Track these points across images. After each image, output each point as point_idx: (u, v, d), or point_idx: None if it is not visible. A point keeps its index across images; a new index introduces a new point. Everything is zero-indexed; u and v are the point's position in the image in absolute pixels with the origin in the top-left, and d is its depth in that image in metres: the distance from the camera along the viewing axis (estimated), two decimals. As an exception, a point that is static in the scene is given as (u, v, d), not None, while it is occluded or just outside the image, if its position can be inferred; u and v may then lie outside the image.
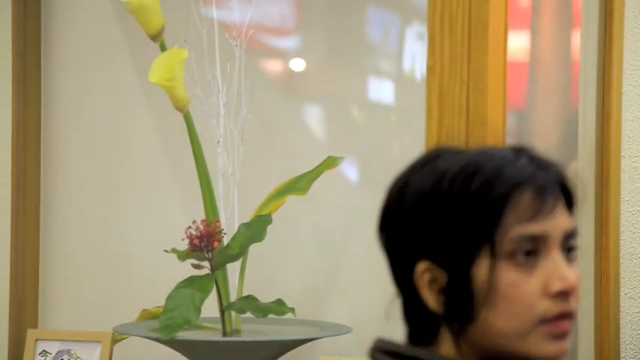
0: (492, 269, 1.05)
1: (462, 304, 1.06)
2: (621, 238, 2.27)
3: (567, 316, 1.07)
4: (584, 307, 2.18)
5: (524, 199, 1.05)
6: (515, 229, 1.05)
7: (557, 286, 1.06)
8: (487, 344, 1.07)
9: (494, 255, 1.05)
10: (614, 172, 2.27)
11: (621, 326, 2.23)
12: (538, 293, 1.06)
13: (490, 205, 1.05)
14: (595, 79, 2.32)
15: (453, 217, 1.05)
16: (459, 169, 1.06)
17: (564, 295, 1.06)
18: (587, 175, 2.30)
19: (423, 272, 1.07)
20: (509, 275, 1.05)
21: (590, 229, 2.27)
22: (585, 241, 2.27)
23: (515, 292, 1.05)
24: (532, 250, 1.06)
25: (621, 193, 2.28)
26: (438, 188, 1.06)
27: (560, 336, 1.06)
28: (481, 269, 1.05)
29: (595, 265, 2.24)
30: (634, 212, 2.30)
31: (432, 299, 1.07)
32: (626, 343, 2.25)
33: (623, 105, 2.28)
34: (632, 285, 2.27)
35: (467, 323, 1.07)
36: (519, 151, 1.10)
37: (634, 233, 2.29)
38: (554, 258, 1.06)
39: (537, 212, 1.06)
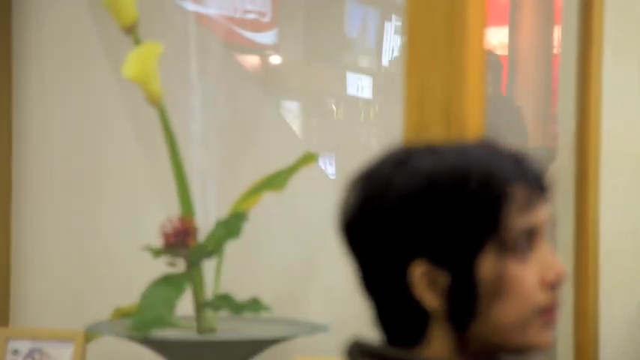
0: (499, 264, 1.05)
1: (468, 302, 1.06)
2: (601, 236, 2.26)
3: (557, 305, 1.08)
4: (564, 305, 2.17)
5: (519, 191, 1.06)
6: (516, 222, 1.06)
7: (551, 276, 1.07)
8: (488, 339, 1.07)
9: (500, 249, 1.05)
10: (593, 169, 2.26)
11: (600, 324, 2.23)
12: (535, 284, 1.07)
13: (491, 201, 1.05)
14: (575, 75, 2.31)
15: (454, 216, 1.05)
16: (450, 169, 1.06)
17: (556, 284, 1.07)
18: (567, 171, 2.29)
19: (421, 273, 1.06)
20: (513, 268, 1.06)
21: (569, 226, 2.27)
22: (565, 239, 2.26)
23: (519, 285, 1.06)
24: (528, 241, 1.06)
25: (601, 190, 2.27)
26: (432, 189, 1.06)
27: (552, 325, 1.08)
28: (486, 265, 1.05)
29: (574, 262, 2.23)
30: (613, 210, 2.29)
31: (431, 299, 1.06)
32: (605, 341, 2.25)
33: (602, 101, 2.28)
34: (611, 283, 2.27)
35: (470, 320, 1.07)
36: (490, 145, 1.10)
37: (613, 231, 2.29)
38: (545, 248, 1.08)
39: (531, 203, 1.07)
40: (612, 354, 2.25)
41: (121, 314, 2.69)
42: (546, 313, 1.08)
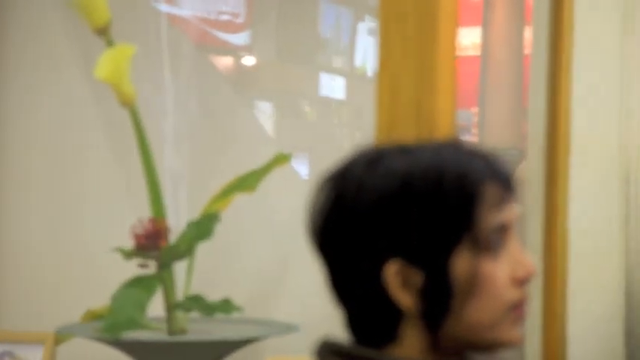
0: (472, 262, 1.06)
1: (441, 300, 1.07)
2: (569, 233, 2.27)
3: (526, 301, 1.09)
4: (532, 304, 2.18)
5: (491, 191, 1.07)
6: (488, 220, 1.07)
7: (522, 273, 1.08)
8: (460, 337, 1.08)
9: (474, 248, 1.06)
10: (562, 168, 2.27)
11: (568, 322, 2.24)
12: (507, 281, 1.08)
13: (465, 201, 1.06)
14: (545, 75, 2.32)
15: (428, 216, 1.05)
16: (424, 170, 1.07)
17: (526, 280, 1.08)
18: (537, 170, 2.31)
19: (395, 272, 1.07)
20: (486, 266, 1.07)
21: (538, 224, 2.28)
22: (534, 237, 2.28)
23: (492, 283, 1.07)
24: (500, 239, 1.07)
25: (570, 189, 2.28)
26: (406, 189, 1.06)
27: (522, 321, 1.08)
28: (460, 263, 1.06)
29: (543, 260, 2.25)
30: (582, 208, 2.30)
31: (405, 299, 1.07)
32: (573, 338, 2.26)
33: (572, 100, 2.29)
34: (579, 280, 2.28)
35: (444, 318, 1.07)
36: (461, 145, 1.11)
37: (582, 229, 2.30)
38: (515, 245, 1.09)
39: (502, 202, 1.08)
40: (580, 351, 2.26)
41: (92, 316, 2.68)
42: (516, 310, 1.09)
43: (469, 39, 3.20)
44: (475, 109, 3.57)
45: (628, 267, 2.33)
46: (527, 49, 2.53)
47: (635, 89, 2.35)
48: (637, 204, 2.36)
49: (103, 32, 2.63)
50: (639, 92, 2.37)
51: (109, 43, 2.63)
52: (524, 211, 2.31)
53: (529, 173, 2.36)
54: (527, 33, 2.58)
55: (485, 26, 3.24)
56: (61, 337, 2.74)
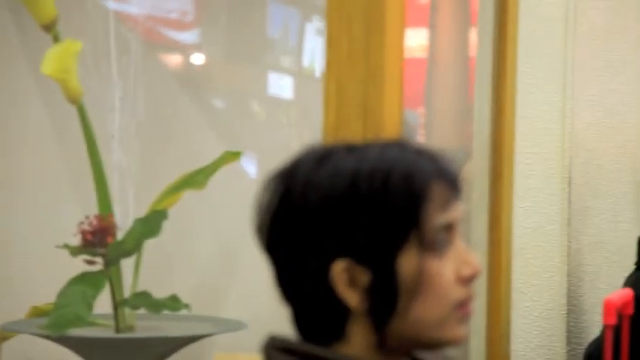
0: (419, 261, 1.07)
1: (388, 299, 1.07)
2: (513, 233, 2.30)
3: (471, 300, 1.10)
4: (476, 302, 2.20)
5: (438, 190, 1.08)
6: (435, 220, 1.07)
7: (467, 271, 1.09)
8: (406, 335, 1.09)
9: (420, 247, 1.07)
10: (507, 168, 2.30)
11: (512, 320, 2.27)
12: (453, 280, 1.09)
13: (411, 201, 1.07)
14: (490, 77, 2.34)
15: (375, 215, 1.06)
16: (371, 169, 1.07)
17: (471, 279, 1.09)
18: (482, 171, 2.33)
19: (342, 271, 1.07)
20: (432, 265, 1.07)
21: (483, 223, 2.30)
22: (479, 236, 2.30)
23: (438, 281, 1.08)
24: (446, 238, 1.09)
25: (514, 189, 2.31)
26: (354, 188, 1.06)
27: (467, 319, 1.10)
28: (407, 263, 1.07)
29: (488, 259, 2.27)
30: (526, 208, 2.34)
31: (352, 297, 1.07)
32: (516, 336, 2.29)
33: (516, 102, 2.32)
34: (522, 279, 2.31)
35: (390, 317, 1.08)
36: (408, 144, 1.12)
37: (525, 228, 2.33)
38: (460, 244, 1.10)
39: (449, 201, 1.09)
40: (522, 348, 2.29)
41: (37, 313, 2.66)
42: (462, 308, 1.10)
43: (416, 40, 3.23)
44: (422, 110, 3.60)
45: (570, 266, 2.36)
46: (473, 51, 2.55)
47: (578, 92, 2.39)
48: (578, 205, 2.40)
49: (50, 28, 2.62)
50: (582, 94, 2.41)
51: (56, 40, 2.62)
52: (470, 210, 2.34)
53: (474, 173, 2.39)
54: (473, 35, 2.60)
55: (432, 28, 3.27)
56: (5, 334, 2.71)
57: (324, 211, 1.07)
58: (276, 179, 1.12)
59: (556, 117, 2.36)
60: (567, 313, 2.35)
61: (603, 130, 2.56)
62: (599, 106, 2.53)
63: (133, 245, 2.49)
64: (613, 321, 1.95)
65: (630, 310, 2.03)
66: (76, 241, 2.50)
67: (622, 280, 2.27)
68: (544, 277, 2.33)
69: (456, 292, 1.09)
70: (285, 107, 3.10)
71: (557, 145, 2.36)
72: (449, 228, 1.10)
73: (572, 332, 2.37)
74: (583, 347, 2.35)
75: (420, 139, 3.15)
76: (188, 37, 3.23)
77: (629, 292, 2.06)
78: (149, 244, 2.58)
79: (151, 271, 2.68)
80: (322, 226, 1.07)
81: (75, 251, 2.48)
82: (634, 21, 2.77)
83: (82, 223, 2.49)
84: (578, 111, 2.40)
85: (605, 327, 1.96)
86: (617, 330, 1.99)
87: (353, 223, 1.07)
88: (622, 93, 2.68)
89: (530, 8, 2.35)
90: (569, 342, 2.36)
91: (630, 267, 2.30)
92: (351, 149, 1.11)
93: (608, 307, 1.95)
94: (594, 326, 2.38)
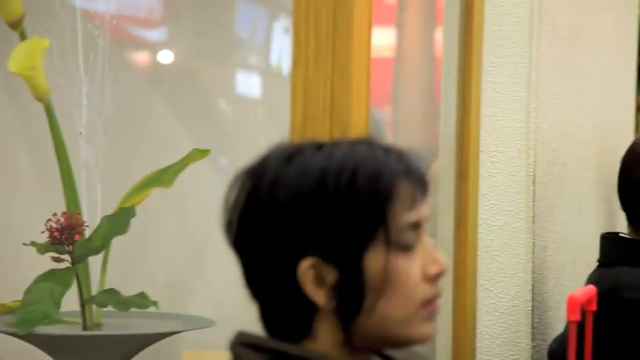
0: (386, 259, 1.08)
1: (355, 297, 1.08)
2: (479, 230, 2.32)
3: (438, 297, 1.11)
4: (443, 297, 2.22)
5: (405, 189, 1.09)
6: (402, 218, 1.09)
7: (434, 269, 1.10)
8: (373, 333, 1.09)
9: (387, 246, 1.08)
10: (473, 167, 2.32)
11: (477, 317, 2.29)
12: (419, 278, 1.10)
13: (380, 199, 1.07)
14: (456, 76, 2.36)
15: (343, 213, 1.07)
16: (339, 168, 1.08)
17: (438, 277, 1.10)
18: (448, 169, 2.35)
19: (309, 269, 1.08)
20: (399, 263, 1.08)
21: (449, 222, 2.32)
22: (445, 234, 2.32)
23: (406, 279, 1.09)
24: (413, 237, 1.09)
25: (479, 187, 2.33)
26: (321, 187, 1.07)
27: (434, 317, 1.11)
28: (374, 261, 1.07)
29: (454, 257, 2.29)
30: (491, 206, 2.35)
31: (319, 295, 1.08)
32: (482, 333, 2.31)
33: (481, 101, 2.33)
34: (488, 277, 2.33)
35: (357, 314, 1.09)
36: (375, 143, 1.12)
37: (491, 226, 2.35)
38: (427, 242, 1.12)
39: (416, 200, 1.10)
40: (488, 345, 2.31)
41: (4, 310, 2.65)
42: (429, 306, 1.11)
43: (383, 39, 3.24)
44: (389, 109, 3.61)
45: (535, 263, 2.38)
46: (439, 51, 2.57)
47: (543, 91, 2.41)
48: (543, 203, 2.43)
49: (17, 26, 2.61)
50: (547, 93, 2.44)
51: (23, 37, 2.61)
52: (437, 208, 2.35)
53: (441, 172, 2.40)
54: (439, 34, 2.62)
55: (399, 27, 3.28)
56: (-28, 332, 2.70)
57: (292, 209, 1.08)
58: (245, 177, 1.13)
59: (521, 116, 2.37)
60: (532, 310, 2.37)
61: (568, 128, 2.58)
62: (564, 105, 2.56)
63: (100, 243, 2.49)
64: (577, 317, 1.97)
65: (594, 307, 2.05)
66: (43, 238, 2.49)
67: (586, 277, 2.29)
68: (509, 274, 2.35)
69: (423, 290, 1.11)
70: (252, 105, 3.11)
71: (522, 143, 2.38)
72: (416, 226, 1.11)
73: (536, 328, 2.39)
74: (547, 343, 2.37)
75: (388, 138, 3.16)
76: (156, 35, 3.22)
77: (592, 289, 2.09)
78: (117, 242, 2.57)
79: (119, 268, 2.68)
80: (290, 224, 1.08)
81: (42, 249, 2.47)
82: (597, 20, 2.80)
83: (49, 220, 2.49)
84: (543, 110, 2.42)
85: (569, 323, 1.98)
86: (580, 326, 2.01)
87: (320, 222, 1.08)
88: (586, 92, 2.71)
89: (495, 8, 2.37)
90: (533, 338, 2.38)
91: (594, 264, 2.32)
92: (319, 147, 1.12)
93: (571, 303, 1.97)
94: (558, 322, 2.40)
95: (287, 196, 1.08)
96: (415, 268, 1.10)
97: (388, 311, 1.09)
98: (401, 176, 1.10)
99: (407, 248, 1.10)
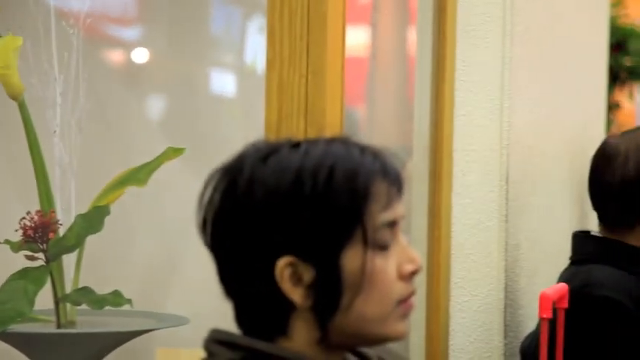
0: (363, 258, 1.08)
1: (332, 295, 1.08)
2: (452, 229, 2.34)
3: (413, 295, 1.13)
4: (417, 295, 2.24)
5: (382, 188, 1.10)
6: (378, 217, 1.10)
7: (410, 268, 1.12)
8: (349, 331, 1.10)
9: (364, 244, 1.08)
10: (446, 166, 2.33)
11: (450, 314, 2.31)
12: (395, 276, 1.11)
13: (356, 198, 1.08)
14: (430, 75, 2.38)
15: (320, 212, 1.07)
16: (315, 167, 1.08)
17: (413, 275, 1.11)
18: (422, 168, 2.36)
19: (286, 268, 1.08)
20: (376, 262, 1.09)
21: (423, 220, 2.34)
22: (418, 233, 2.33)
23: (382, 278, 1.10)
24: (389, 235, 1.10)
25: (453, 186, 2.35)
26: (298, 186, 1.08)
27: (409, 315, 1.12)
28: (351, 259, 1.08)
29: (427, 255, 2.30)
30: (464, 204, 2.37)
31: (296, 293, 1.08)
32: (455, 330, 2.33)
33: (455, 100, 2.35)
34: (461, 274, 2.35)
35: (334, 313, 1.09)
36: (351, 142, 1.13)
37: (464, 225, 2.36)
38: (402, 241, 1.13)
39: (392, 199, 1.11)
40: (461, 342, 2.33)
41: (-23, 309, 2.64)
42: (404, 304, 1.13)
43: (357, 39, 3.25)
44: (363, 108, 3.62)
45: (507, 261, 2.40)
46: (412, 50, 2.58)
47: (516, 90, 2.43)
48: (516, 202, 2.45)
49: (-10, 24, 2.60)
50: (519, 93, 2.46)
51: (-4, 35, 2.60)
52: (410, 207, 2.37)
53: (415, 171, 2.42)
54: (412, 34, 2.64)
55: (373, 26, 3.30)
56: (-56, 331, 2.68)
57: (269, 208, 1.09)
58: (220, 175, 1.14)
59: (494, 115, 2.39)
60: (505, 307, 2.39)
61: (541, 128, 2.61)
62: (537, 105, 2.58)
63: (74, 241, 2.48)
64: (549, 314, 1.99)
65: (565, 304, 2.07)
66: (17, 237, 2.48)
67: (558, 275, 2.31)
68: (483, 273, 2.36)
69: (399, 289, 1.12)
70: (227, 104, 3.11)
71: (495, 142, 2.39)
72: (392, 225, 1.12)
73: (509, 326, 2.41)
74: (520, 340, 2.40)
75: (362, 137, 3.18)
76: (130, 33, 3.22)
77: (564, 287, 2.11)
78: (91, 240, 2.57)
79: (93, 267, 2.67)
80: (267, 222, 1.09)
81: (16, 247, 2.46)
82: (569, 21, 2.82)
83: (23, 218, 2.48)
84: (516, 109, 2.44)
85: (541, 320, 2.00)
86: (552, 323, 2.03)
87: (297, 220, 1.09)
88: (559, 92, 2.74)
89: (468, 8, 2.38)
90: (506, 335, 2.40)
91: (566, 262, 2.35)
92: (295, 146, 1.12)
93: (543, 300, 1.99)
94: (530, 320, 2.43)
95: (264, 195, 1.09)
96: (391, 266, 1.12)
97: (364, 309, 1.10)
98: (377, 175, 1.11)
99: (383, 247, 1.11)
